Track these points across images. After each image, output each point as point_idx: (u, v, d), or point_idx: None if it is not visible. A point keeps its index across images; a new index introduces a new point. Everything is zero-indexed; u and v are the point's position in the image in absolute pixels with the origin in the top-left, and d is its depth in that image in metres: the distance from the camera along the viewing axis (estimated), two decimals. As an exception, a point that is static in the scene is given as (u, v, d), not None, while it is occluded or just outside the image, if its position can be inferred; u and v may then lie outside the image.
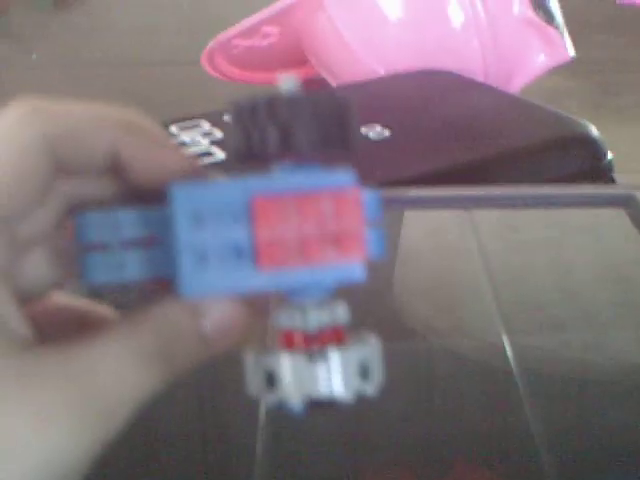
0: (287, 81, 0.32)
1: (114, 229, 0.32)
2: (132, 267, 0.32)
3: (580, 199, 0.76)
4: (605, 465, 0.52)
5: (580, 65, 1.26)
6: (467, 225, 0.73)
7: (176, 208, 0.31)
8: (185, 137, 0.90)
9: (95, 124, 0.32)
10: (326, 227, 0.32)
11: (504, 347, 0.59)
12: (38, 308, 0.35)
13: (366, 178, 0.85)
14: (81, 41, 1.63)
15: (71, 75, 1.40)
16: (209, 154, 0.86)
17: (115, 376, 0.30)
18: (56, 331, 0.34)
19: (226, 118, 0.94)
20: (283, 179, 0.32)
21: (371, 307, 0.65)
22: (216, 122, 0.93)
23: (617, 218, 0.72)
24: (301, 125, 0.31)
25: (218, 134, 0.91)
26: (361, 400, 0.34)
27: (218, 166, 0.84)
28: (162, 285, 0.33)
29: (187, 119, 0.94)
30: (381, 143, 0.88)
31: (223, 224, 0.31)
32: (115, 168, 0.33)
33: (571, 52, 1.13)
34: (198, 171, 0.34)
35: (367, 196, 0.33)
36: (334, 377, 0.32)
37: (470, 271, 0.69)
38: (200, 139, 0.89)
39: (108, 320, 0.36)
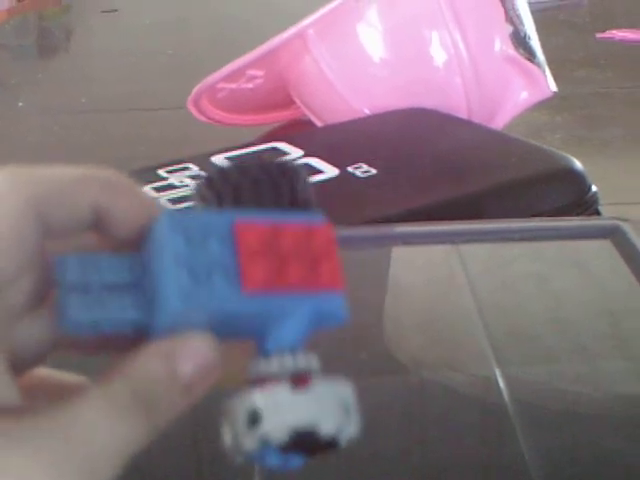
0: None
1: (94, 271, 0.32)
2: (112, 307, 0.32)
3: (567, 232, 0.76)
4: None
5: (563, 100, 1.28)
6: (455, 259, 0.74)
7: (164, 227, 0.32)
8: (173, 180, 0.90)
9: (76, 183, 0.33)
10: (303, 255, 0.33)
11: (496, 380, 0.59)
12: (27, 379, 0.35)
13: (354, 216, 0.86)
14: (66, 88, 1.64)
15: (58, 122, 1.41)
16: (198, 196, 0.87)
17: (92, 431, 0.30)
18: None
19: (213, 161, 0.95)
20: (261, 213, 0.33)
21: (362, 342, 0.65)
22: (203, 165, 0.94)
23: (603, 249, 0.72)
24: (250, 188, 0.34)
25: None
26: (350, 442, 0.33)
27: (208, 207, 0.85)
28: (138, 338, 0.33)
29: (174, 163, 0.95)
30: (368, 181, 0.88)
31: (208, 245, 0.32)
32: (98, 225, 0.33)
33: (553, 88, 1.14)
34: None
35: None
36: (317, 405, 0.32)
37: (460, 305, 0.69)
38: (189, 181, 0.90)
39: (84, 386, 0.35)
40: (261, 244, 0.32)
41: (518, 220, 0.78)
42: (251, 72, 1.18)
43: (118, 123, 1.40)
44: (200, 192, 0.35)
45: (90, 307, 0.32)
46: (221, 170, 0.34)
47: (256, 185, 0.34)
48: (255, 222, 0.32)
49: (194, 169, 0.93)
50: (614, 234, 0.72)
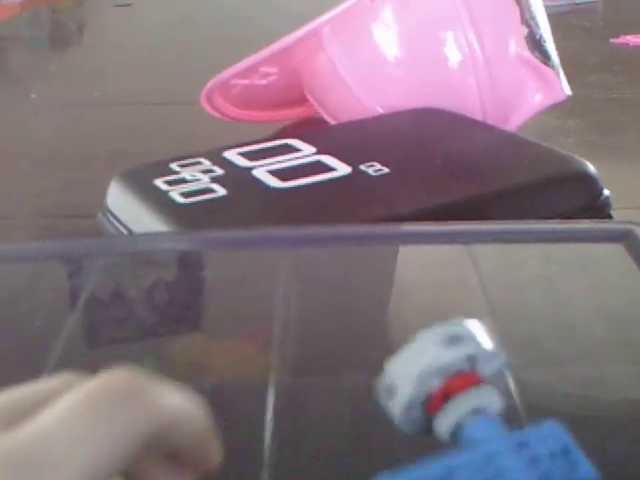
0: None
1: None
2: None
3: (579, 234, 0.76)
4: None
5: (577, 104, 1.28)
6: (467, 260, 0.74)
7: None
8: (185, 174, 0.90)
9: (175, 428, 0.34)
10: None
11: (506, 382, 0.59)
12: None
13: (365, 214, 0.86)
14: (79, 81, 1.64)
15: (70, 115, 1.41)
16: (210, 190, 0.87)
17: None
18: None
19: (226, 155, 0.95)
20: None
21: (371, 341, 0.65)
22: (216, 160, 0.94)
23: (615, 253, 0.72)
24: None
25: (219, 171, 0.91)
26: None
27: (219, 201, 0.85)
28: None
29: (187, 157, 0.95)
30: (380, 180, 0.88)
31: None
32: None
33: (567, 91, 1.14)
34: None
35: None
36: None
37: (471, 306, 0.69)
38: (201, 176, 0.90)
39: None
40: None
41: (530, 222, 0.78)
42: (265, 69, 1.18)
43: (129, 117, 1.40)
44: None
45: None
46: None
47: None
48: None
49: (206, 164, 0.93)
50: (626, 238, 0.72)
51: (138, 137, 1.30)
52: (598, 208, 0.88)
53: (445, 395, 0.40)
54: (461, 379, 0.40)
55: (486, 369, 0.41)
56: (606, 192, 0.90)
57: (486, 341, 0.42)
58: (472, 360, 0.41)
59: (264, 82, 1.20)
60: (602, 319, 0.70)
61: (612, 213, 0.90)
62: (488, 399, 0.41)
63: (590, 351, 0.66)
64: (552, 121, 1.30)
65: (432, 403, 0.40)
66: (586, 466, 0.38)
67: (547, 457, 0.38)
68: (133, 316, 0.71)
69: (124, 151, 1.21)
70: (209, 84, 1.20)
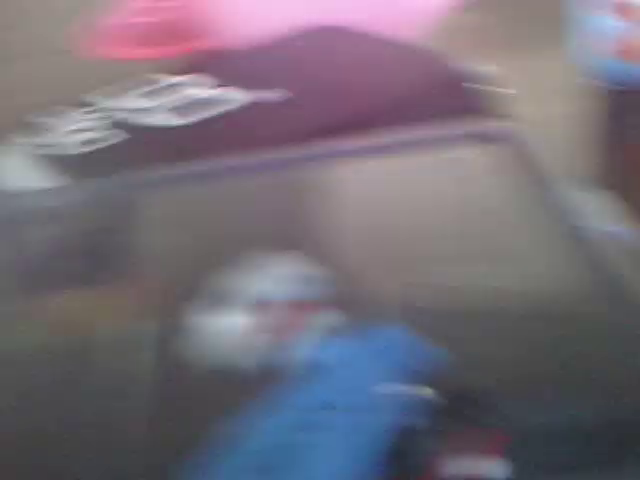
0: None
1: None
2: None
3: (456, 139, 0.76)
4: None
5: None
6: (329, 178, 0.75)
7: None
8: (76, 123, 0.90)
9: None
10: None
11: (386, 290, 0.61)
12: None
13: (262, 142, 0.85)
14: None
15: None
16: (102, 138, 0.86)
17: None
18: None
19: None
20: None
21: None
22: (103, 106, 0.93)
23: (492, 154, 0.72)
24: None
25: (108, 116, 0.90)
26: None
27: (113, 148, 0.85)
28: None
29: (79, 104, 0.94)
30: (275, 106, 0.89)
31: None
32: None
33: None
34: None
35: None
36: None
37: (337, 219, 0.71)
38: (90, 124, 0.89)
39: None
40: None
41: (405, 131, 0.78)
42: (164, 3, 1.17)
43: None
44: None
45: None
46: None
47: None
48: None
49: (93, 110, 0.92)
50: (504, 139, 0.72)
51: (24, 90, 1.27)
52: (489, 108, 0.88)
53: (290, 325, 0.41)
54: (303, 307, 0.42)
55: (318, 293, 0.43)
56: (503, 91, 0.90)
57: (312, 267, 0.44)
58: (306, 289, 0.43)
59: (164, 18, 1.18)
60: (475, 220, 0.71)
61: (509, 112, 0.89)
62: (331, 321, 0.43)
63: (461, 250, 0.68)
64: (466, 18, 1.29)
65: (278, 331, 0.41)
66: (428, 353, 0.43)
67: (396, 352, 0.42)
68: (13, 275, 0.71)
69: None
70: (104, 27, 1.17)
